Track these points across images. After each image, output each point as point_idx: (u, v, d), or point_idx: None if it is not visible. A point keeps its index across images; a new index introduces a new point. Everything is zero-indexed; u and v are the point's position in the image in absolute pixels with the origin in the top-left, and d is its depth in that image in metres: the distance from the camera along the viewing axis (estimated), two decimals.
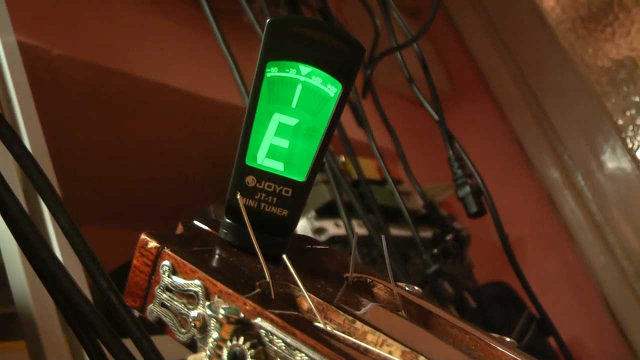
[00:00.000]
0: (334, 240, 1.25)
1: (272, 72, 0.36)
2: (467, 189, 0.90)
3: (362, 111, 1.03)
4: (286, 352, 0.29)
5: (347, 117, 1.07)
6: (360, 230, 1.05)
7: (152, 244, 0.35)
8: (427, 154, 1.62)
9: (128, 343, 0.44)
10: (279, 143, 0.38)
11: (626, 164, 2.14)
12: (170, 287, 0.34)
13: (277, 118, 0.37)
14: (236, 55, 0.84)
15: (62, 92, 1.15)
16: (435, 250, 1.01)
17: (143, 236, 0.36)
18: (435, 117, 0.96)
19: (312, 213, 1.30)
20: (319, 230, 1.26)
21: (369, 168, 1.50)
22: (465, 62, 2.47)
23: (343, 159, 1.40)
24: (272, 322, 0.30)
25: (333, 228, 1.27)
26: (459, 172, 0.91)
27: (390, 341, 0.31)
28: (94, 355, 0.45)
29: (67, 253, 0.70)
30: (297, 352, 0.29)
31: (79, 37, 1.17)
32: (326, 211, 1.32)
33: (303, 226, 1.28)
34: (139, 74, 1.23)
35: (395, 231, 1.28)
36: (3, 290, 0.71)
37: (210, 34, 0.84)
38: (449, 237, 1.04)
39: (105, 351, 0.44)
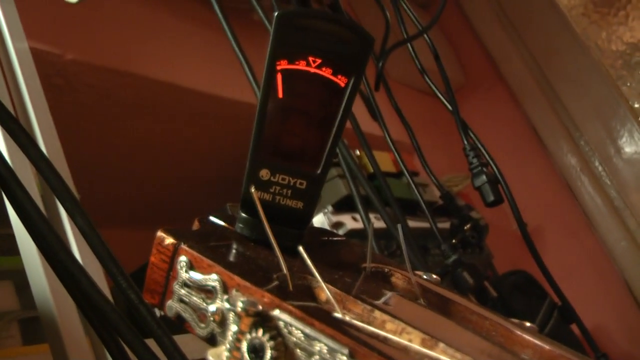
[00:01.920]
0: (352, 234, 1.25)
1: (282, 65, 0.36)
2: (484, 177, 0.89)
3: (376, 104, 1.03)
4: (305, 342, 0.29)
5: (360, 111, 1.07)
6: (377, 223, 1.05)
7: (169, 240, 0.35)
8: (443, 144, 1.61)
9: (150, 343, 0.44)
10: (292, 136, 0.38)
11: None
12: (188, 282, 0.34)
13: (288, 111, 0.38)
14: (247, 53, 0.84)
15: (77, 96, 1.16)
16: (454, 241, 1.00)
17: (159, 233, 0.36)
18: (449, 107, 0.95)
19: (329, 208, 1.30)
20: (337, 225, 1.26)
21: (385, 161, 1.49)
22: (478, 51, 2.46)
23: (358, 152, 1.39)
24: (290, 313, 0.30)
25: (351, 222, 1.27)
26: (474, 162, 0.90)
27: (409, 329, 0.31)
28: (117, 356, 0.45)
29: (86, 255, 0.70)
30: (317, 342, 0.29)
31: (91, 42, 1.17)
32: (343, 206, 1.32)
33: (321, 221, 1.28)
34: (151, 75, 1.24)
35: (413, 223, 1.28)
36: (25, 294, 0.71)
37: (221, 33, 0.84)
38: (467, 227, 1.04)
39: (128, 351, 0.45)
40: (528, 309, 1.53)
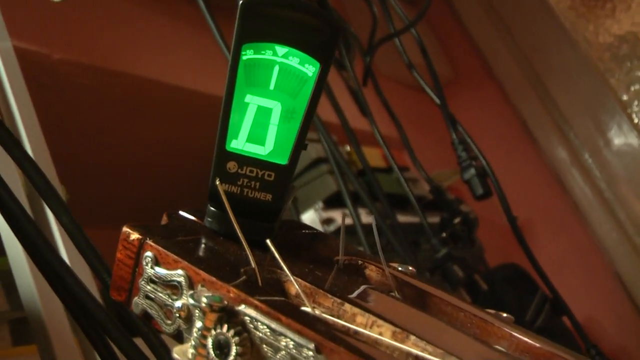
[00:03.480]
0: None
1: (247, 54, 0.36)
2: (472, 171, 0.89)
3: (364, 100, 1.03)
4: (271, 338, 0.29)
5: (349, 106, 1.07)
6: (366, 219, 1.05)
7: (134, 235, 0.34)
8: (432, 139, 1.62)
9: (138, 342, 0.44)
10: (259, 127, 0.37)
11: (633, 140, 2.13)
12: (154, 278, 0.33)
13: (256, 101, 0.37)
14: None
15: (64, 96, 1.15)
16: (444, 235, 1.00)
17: (125, 228, 0.35)
18: (437, 100, 0.95)
19: (320, 204, 1.30)
20: (327, 221, 1.26)
21: (375, 156, 1.49)
22: (466, 45, 2.47)
23: (348, 148, 1.39)
24: (256, 308, 0.29)
25: (341, 218, 1.27)
26: (463, 155, 0.91)
27: (380, 322, 0.30)
28: (105, 355, 0.45)
29: (73, 255, 0.70)
30: (283, 337, 0.28)
31: (78, 41, 1.17)
32: (334, 202, 1.32)
33: (311, 217, 1.28)
34: (139, 73, 1.23)
35: (403, 218, 1.28)
36: (12, 295, 0.71)
37: (208, 30, 0.84)
38: (456, 220, 1.04)
39: (116, 350, 0.44)
40: (519, 302, 1.53)
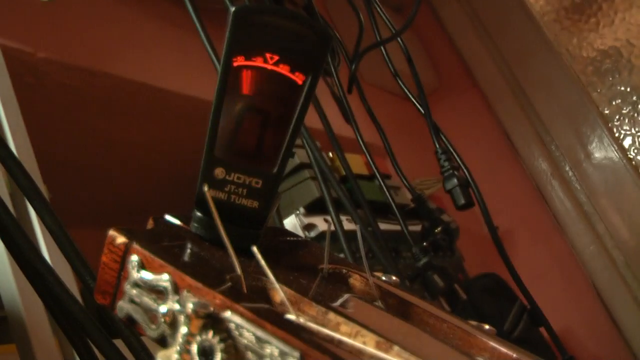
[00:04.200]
0: (324, 236, 1.25)
1: (238, 61, 0.36)
2: (455, 181, 0.90)
3: (348, 106, 1.03)
4: (256, 345, 0.29)
5: (333, 113, 1.07)
6: (348, 225, 1.06)
7: (120, 239, 0.34)
8: (415, 148, 1.62)
9: (119, 344, 0.44)
10: (248, 134, 0.37)
11: (613, 154, 2.15)
12: (139, 282, 0.33)
13: (245, 109, 0.37)
14: (220, 53, 0.83)
15: (48, 95, 1.15)
16: (425, 244, 1.01)
17: (111, 232, 0.35)
18: (421, 110, 0.96)
19: (301, 210, 1.30)
20: (308, 227, 1.26)
21: (358, 163, 1.50)
22: (451, 55, 2.48)
23: (331, 154, 1.40)
24: (241, 315, 0.29)
25: (322, 224, 1.27)
26: (446, 165, 0.91)
27: (364, 332, 0.30)
28: (85, 356, 0.45)
29: (55, 256, 0.70)
30: (267, 344, 0.28)
31: (63, 40, 1.16)
32: (315, 208, 1.33)
33: (292, 223, 1.28)
34: (124, 75, 1.23)
35: (384, 226, 1.28)
36: None
37: (194, 33, 0.84)
38: (438, 230, 1.04)
39: (96, 351, 0.44)
40: (498, 312, 1.54)
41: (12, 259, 0.44)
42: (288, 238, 0.44)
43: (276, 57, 0.36)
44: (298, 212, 1.29)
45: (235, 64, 0.36)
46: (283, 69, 0.36)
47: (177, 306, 0.31)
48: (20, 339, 0.65)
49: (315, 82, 0.37)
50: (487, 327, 0.37)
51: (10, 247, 0.44)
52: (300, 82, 0.37)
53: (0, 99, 0.81)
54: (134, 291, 0.34)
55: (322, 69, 0.37)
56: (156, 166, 1.49)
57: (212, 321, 0.30)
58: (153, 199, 1.53)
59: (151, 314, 0.33)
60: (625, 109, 2.13)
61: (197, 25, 0.79)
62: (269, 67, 0.36)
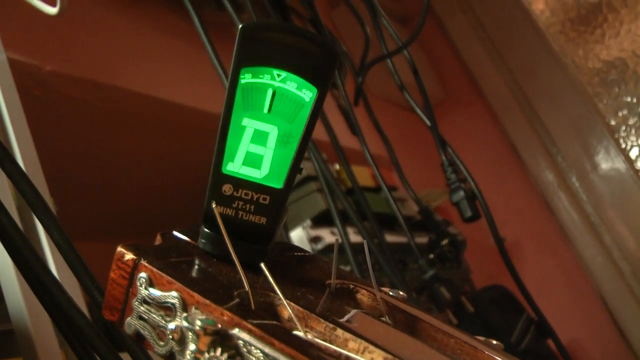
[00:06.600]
0: (331, 248, 1.24)
1: (246, 78, 0.36)
2: (461, 193, 0.90)
3: (355, 119, 1.03)
4: None
5: (340, 125, 1.08)
6: (355, 237, 1.06)
7: (129, 256, 0.35)
8: (422, 160, 1.62)
9: (126, 357, 0.44)
10: (255, 150, 0.37)
11: (620, 164, 2.14)
12: (148, 299, 0.33)
13: (253, 125, 0.37)
14: (227, 66, 0.84)
15: (55, 108, 1.15)
16: (432, 256, 1.01)
17: (119, 248, 0.35)
18: (427, 122, 0.96)
19: (308, 222, 1.30)
20: (315, 239, 1.26)
21: (364, 176, 1.50)
22: (457, 67, 2.48)
23: (337, 167, 1.40)
24: (249, 332, 0.29)
25: (329, 236, 1.27)
26: (452, 177, 0.91)
27: (372, 348, 0.30)
28: None
29: (62, 269, 0.70)
30: None
31: (71, 53, 1.17)
32: (322, 220, 1.32)
33: (299, 235, 1.28)
34: (131, 87, 1.23)
35: (391, 238, 1.28)
36: (2, 307, 0.71)
37: (201, 45, 0.84)
38: (444, 242, 1.04)
39: None
40: (505, 324, 1.53)
41: (20, 273, 0.45)
42: (295, 253, 0.44)
43: (283, 74, 0.36)
44: (305, 224, 1.29)
45: (242, 81, 0.36)
46: (290, 86, 0.36)
47: (185, 323, 0.31)
48: (27, 353, 0.65)
49: (322, 99, 0.37)
50: (494, 342, 0.37)
51: (17, 261, 0.44)
52: (307, 99, 0.37)
53: (7, 112, 0.81)
54: (142, 308, 0.34)
55: (329, 86, 0.37)
56: (163, 179, 1.49)
57: (221, 338, 0.30)
58: (160, 211, 1.53)
59: (159, 331, 0.33)
60: (632, 120, 2.13)
61: (205, 41, 0.79)
62: (276, 83, 0.36)
